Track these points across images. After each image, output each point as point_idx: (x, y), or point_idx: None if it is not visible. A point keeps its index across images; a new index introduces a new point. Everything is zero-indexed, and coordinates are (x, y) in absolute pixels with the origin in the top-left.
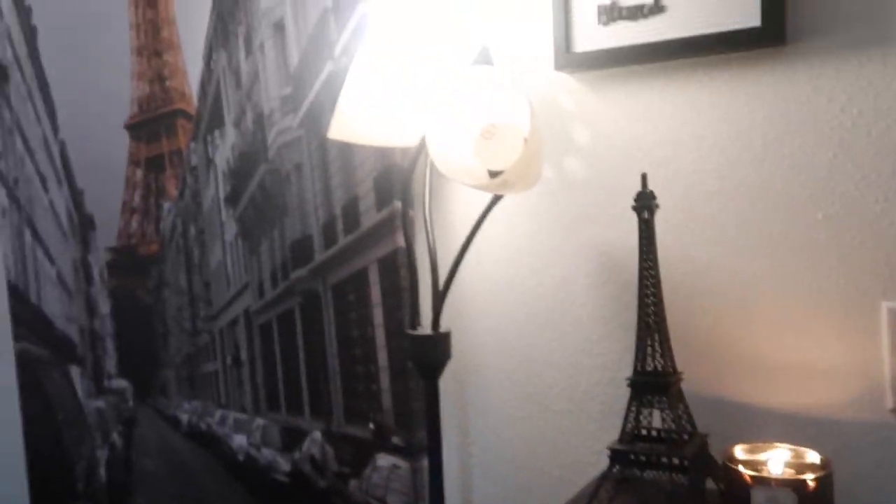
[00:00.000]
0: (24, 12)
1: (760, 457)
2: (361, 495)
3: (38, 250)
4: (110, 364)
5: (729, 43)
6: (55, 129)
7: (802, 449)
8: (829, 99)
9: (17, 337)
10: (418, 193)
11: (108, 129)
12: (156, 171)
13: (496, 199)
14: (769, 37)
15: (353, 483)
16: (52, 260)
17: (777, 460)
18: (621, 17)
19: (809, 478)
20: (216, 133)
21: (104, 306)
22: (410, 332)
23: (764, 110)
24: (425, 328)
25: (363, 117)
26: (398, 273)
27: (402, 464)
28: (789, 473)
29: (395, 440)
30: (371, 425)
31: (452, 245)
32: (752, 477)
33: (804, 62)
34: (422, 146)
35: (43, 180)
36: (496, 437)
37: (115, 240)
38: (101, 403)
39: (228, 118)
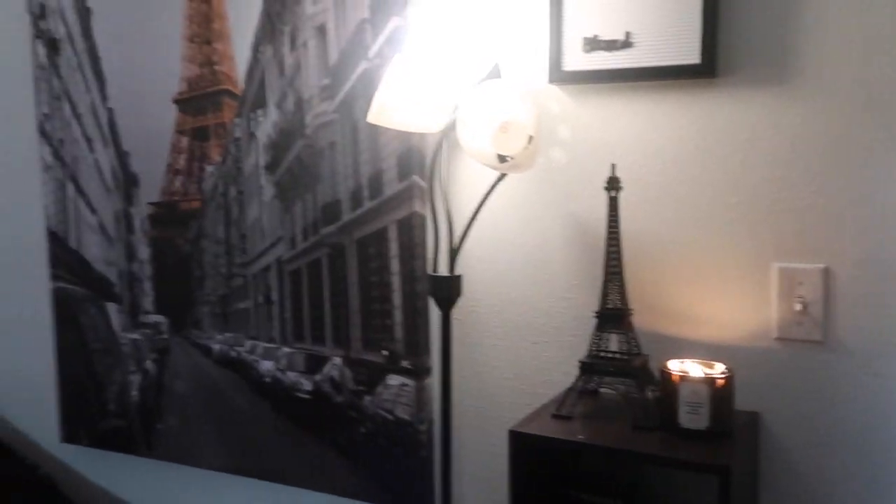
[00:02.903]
0: None
1: (686, 367)
2: (373, 408)
3: (80, 202)
4: (147, 302)
5: (676, 73)
6: (104, 98)
7: (714, 363)
8: (743, 118)
9: (54, 277)
10: (437, 170)
11: (156, 102)
12: (201, 139)
13: (501, 177)
14: (705, 71)
15: (366, 399)
16: (93, 210)
17: (696, 369)
18: (600, 48)
19: (717, 377)
20: (259, 112)
21: (143, 252)
22: (432, 273)
23: (698, 123)
24: (443, 272)
25: (397, 108)
26: (413, 232)
27: (410, 382)
28: (704, 375)
29: (405, 363)
30: (384, 352)
31: (460, 210)
32: (679, 377)
33: (728, 91)
34: (443, 133)
35: (89, 142)
36: (485, 363)
37: (158, 196)
38: (136, 335)
39: (271, 100)
